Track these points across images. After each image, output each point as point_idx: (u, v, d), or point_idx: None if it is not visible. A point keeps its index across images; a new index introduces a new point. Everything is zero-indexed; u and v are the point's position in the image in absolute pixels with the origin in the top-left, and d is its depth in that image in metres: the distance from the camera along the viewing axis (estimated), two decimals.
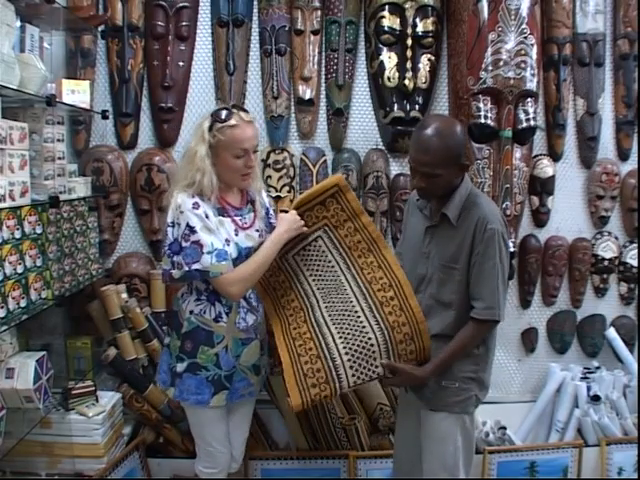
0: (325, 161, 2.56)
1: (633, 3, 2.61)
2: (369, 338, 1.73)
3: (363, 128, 2.60)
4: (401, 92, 2.45)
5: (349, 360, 1.72)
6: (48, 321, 2.10)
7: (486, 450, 2.40)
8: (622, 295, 2.80)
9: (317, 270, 1.84)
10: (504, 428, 2.54)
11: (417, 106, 2.47)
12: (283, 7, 2.45)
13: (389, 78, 2.44)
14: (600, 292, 2.78)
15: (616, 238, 2.76)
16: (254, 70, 2.52)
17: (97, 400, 2.22)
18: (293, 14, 2.47)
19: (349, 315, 1.77)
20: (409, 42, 2.42)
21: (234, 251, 1.75)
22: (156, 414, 2.35)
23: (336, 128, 2.54)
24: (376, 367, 1.73)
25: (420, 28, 2.43)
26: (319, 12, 2.48)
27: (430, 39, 2.45)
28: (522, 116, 2.38)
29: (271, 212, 1.96)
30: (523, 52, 2.30)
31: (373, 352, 1.72)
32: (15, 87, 1.78)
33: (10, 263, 1.71)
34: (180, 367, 1.82)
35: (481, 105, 2.35)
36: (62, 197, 2.03)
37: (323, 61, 2.52)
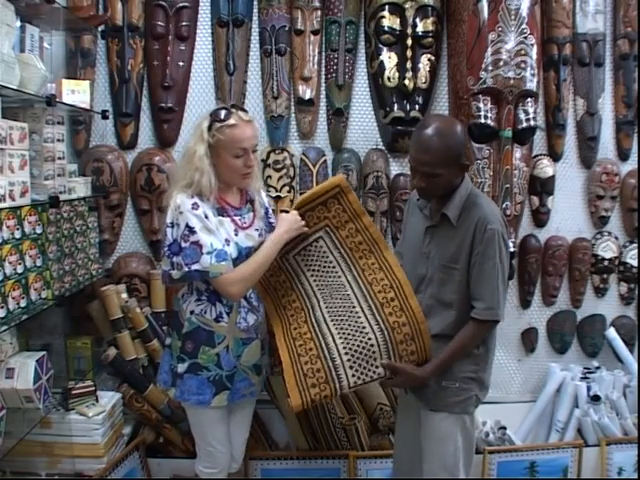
0: (325, 161, 2.56)
1: (633, 3, 2.61)
2: (369, 338, 1.73)
3: (363, 128, 2.60)
4: (401, 92, 2.45)
5: (349, 360, 1.72)
6: (48, 321, 2.10)
7: (486, 450, 2.40)
8: (622, 295, 2.80)
9: (318, 271, 1.84)
10: (504, 428, 2.54)
11: (417, 106, 2.47)
12: (283, 7, 2.45)
13: (389, 78, 2.44)
14: (600, 292, 2.78)
15: (616, 238, 2.76)
16: (254, 70, 2.52)
17: (97, 400, 2.22)
18: (293, 14, 2.47)
19: (349, 316, 1.77)
20: (409, 42, 2.42)
21: (234, 251, 1.75)
22: (156, 414, 2.35)
23: (336, 128, 2.54)
24: (376, 367, 1.73)
25: (420, 28, 2.43)
26: (319, 12, 2.48)
27: (430, 39, 2.45)
28: (522, 116, 2.38)
29: (270, 212, 1.96)
30: (523, 52, 2.30)
31: (373, 352, 1.72)
32: (15, 87, 1.78)
33: (10, 263, 1.71)
34: (181, 367, 1.82)
35: (481, 105, 2.35)
36: (62, 197, 2.03)
37: (323, 61, 2.52)
